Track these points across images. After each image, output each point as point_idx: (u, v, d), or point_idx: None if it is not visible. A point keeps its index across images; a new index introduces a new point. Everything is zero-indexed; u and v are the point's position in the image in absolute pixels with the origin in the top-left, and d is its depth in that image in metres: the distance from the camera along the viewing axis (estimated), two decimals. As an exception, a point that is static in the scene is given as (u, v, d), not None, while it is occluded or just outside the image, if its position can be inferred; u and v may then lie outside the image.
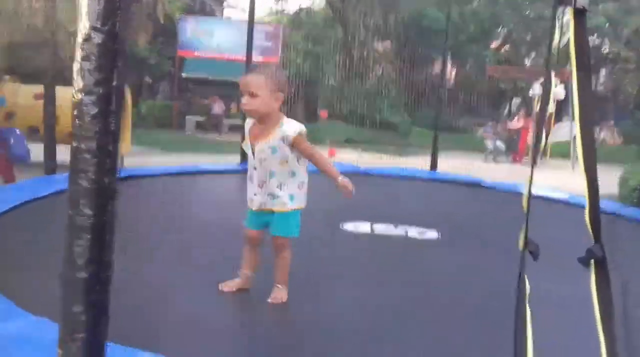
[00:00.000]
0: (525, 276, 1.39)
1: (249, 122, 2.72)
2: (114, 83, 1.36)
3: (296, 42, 17.32)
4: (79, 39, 1.28)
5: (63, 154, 7.28)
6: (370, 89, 17.90)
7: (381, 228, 4.08)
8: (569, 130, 15.33)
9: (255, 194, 2.65)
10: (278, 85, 2.57)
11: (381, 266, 3.37)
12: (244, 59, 15.57)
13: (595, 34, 20.81)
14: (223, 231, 3.49)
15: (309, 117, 17.99)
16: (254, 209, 2.67)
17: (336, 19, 18.52)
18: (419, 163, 7.61)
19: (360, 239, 3.88)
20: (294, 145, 2.59)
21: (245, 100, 2.57)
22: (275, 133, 2.58)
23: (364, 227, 4.09)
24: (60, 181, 4.52)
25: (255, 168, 2.64)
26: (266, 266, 2.73)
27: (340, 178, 2.62)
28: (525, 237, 1.38)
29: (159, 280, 2.83)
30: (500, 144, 15.08)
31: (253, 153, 2.63)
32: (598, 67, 21.91)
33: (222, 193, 5.10)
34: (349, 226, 4.07)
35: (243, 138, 2.82)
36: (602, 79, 21.38)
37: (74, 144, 1.31)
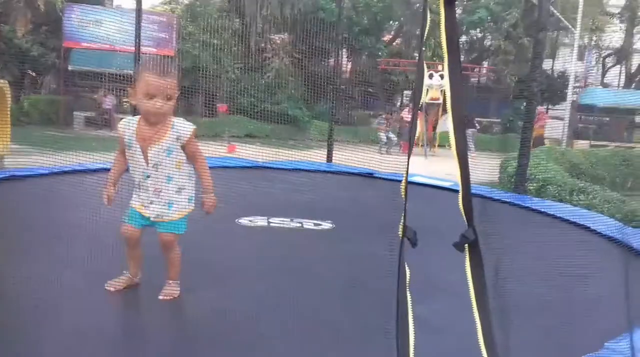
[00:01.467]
0: (405, 262, 1.42)
1: (128, 124, 2.52)
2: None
3: (192, 33, 16.86)
4: None
5: None
6: (269, 82, 17.84)
7: (277, 221, 4.08)
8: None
9: (151, 203, 2.50)
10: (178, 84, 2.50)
11: (275, 257, 3.37)
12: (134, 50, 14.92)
13: (478, 28, 22.16)
14: (107, 231, 3.32)
15: (207, 111, 17.63)
16: (151, 218, 2.52)
17: (232, 10, 18.23)
18: (318, 156, 7.71)
19: (255, 233, 3.86)
20: (187, 144, 2.50)
21: (160, 104, 2.41)
22: (168, 134, 2.47)
23: (260, 221, 4.06)
24: None
25: (148, 176, 2.47)
26: (151, 261, 2.63)
27: (210, 195, 2.55)
28: (404, 224, 1.42)
29: (40, 285, 2.63)
30: (392, 136, 15.67)
31: (145, 158, 2.47)
32: (481, 60, 23.36)
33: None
34: (245, 221, 4.03)
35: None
36: (484, 71, 22.77)
37: None
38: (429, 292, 2.69)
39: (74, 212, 3.82)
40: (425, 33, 1.38)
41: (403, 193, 1.42)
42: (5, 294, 2.51)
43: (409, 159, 1.40)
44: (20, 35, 14.76)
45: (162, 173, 2.47)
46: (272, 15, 18.11)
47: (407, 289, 1.40)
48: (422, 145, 15.74)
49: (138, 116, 2.55)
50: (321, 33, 15.88)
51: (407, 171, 1.43)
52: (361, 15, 19.40)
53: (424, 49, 1.45)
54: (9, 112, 8.22)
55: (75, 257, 3.08)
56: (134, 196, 2.57)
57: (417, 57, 21.60)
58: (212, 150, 10.03)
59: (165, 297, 2.57)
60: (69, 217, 3.77)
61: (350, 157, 8.36)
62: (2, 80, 8.41)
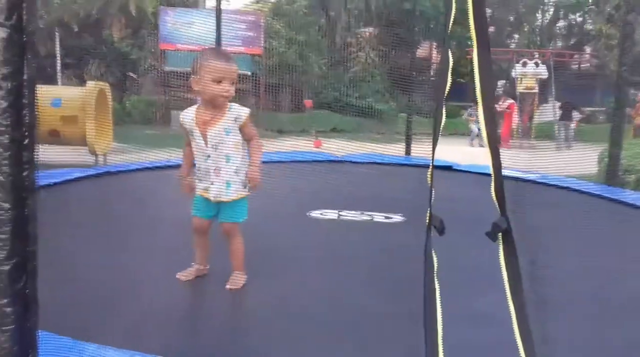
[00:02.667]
0: (432, 250, 1.43)
1: (187, 113, 2.70)
2: (25, 76, 1.39)
3: (279, 31, 17.24)
4: (-17, 35, 1.30)
5: (46, 154, 7.33)
6: (355, 76, 17.88)
7: (348, 214, 4.13)
8: (553, 111, 15.40)
9: (212, 183, 2.65)
10: None
11: (340, 248, 3.42)
12: (225, 50, 15.43)
13: (578, 12, 20.89)
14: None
15: (294, 107, 18.00)
16: (211, 199, 2.68)
17: (319, 6, 18.44)
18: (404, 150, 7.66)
19: (324, 225, 3.92)
20: (244, 125, 2.65)
21: (228, 87, 2.58)
22: (227, 115, 2.63)
23: (330, 214, 4.13)
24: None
25: (209, 156, 2.63)
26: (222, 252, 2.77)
27: (256, 171, 2.65)
28: (430, 212, 1.42)
29: (122, 274, 2.86)
30: (475, 128, 15.15)
31: (205, 141, 2.63)
32: (581, 45, 21.99)
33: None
34: (316, 213, 4.12)
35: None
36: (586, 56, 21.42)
37: (-14, 138, 1.34)
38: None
39: (159, 205, 4.09)
40: (450, 21, 1.37)
41: (429, 180, 1.42)
42: (88, 279, 2.74)
43: (434, 146, 1.40)
44: (116, 40, 15.83)
45: (222, 152, 2.62)
46: (357, 8, 18.11)
47: (435, 278, 1.40)
48: (517, 137, 15.14)
49: (195, 106, 2.72)
50: (407, 24, 15.70)
51: (432, 158, 1.43)
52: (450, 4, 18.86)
53: (448, 37, 1.44)
54: (110, 113, 8.87)
55: (154, 247, 3.32)
56: (197, 183, 2.72)
57: (510, 45, 20.76)
58: (299, 146, 10.27)
59: (232, 287, 2.69)
60: (153, 210, 4.05)
61: (438, 149, 8.19)
62: (102, 83, 9.08)
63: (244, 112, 2.66)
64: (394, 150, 8.21)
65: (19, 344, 1.34)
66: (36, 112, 1.49)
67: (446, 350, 1.38)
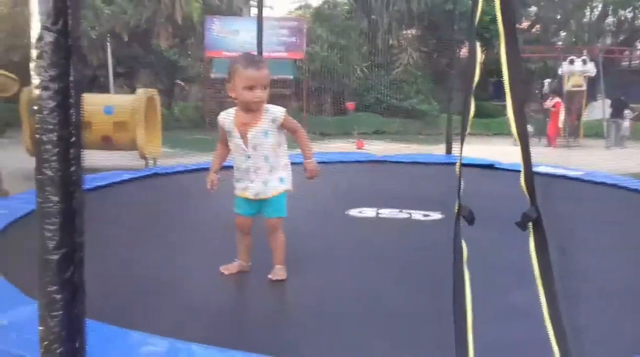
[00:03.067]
0: (463, 240, 1.44)
1: (228, 115, 2.80)
2: (71, 78, 1.48)
3: (320, 36, 17.36)
4: (32, 39, 1.40)
5: (99, 159, 7.64)
6: (397, 77, 17.81)
7: (386, 213, 4.14)
8: (602, 109, 14.93)
9: (252, 182, 2.75)
10: None
11: (375, 246, 3.44)
12: (270, 55, 15.69)
13: (629, 8, 20.15)
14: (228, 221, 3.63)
15: (336, 110, 18.07)
16: (251, 198, 2.77)
17: (359, 9, 18.46)
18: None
19: (362, 223, 3.95)
20: (284, 123, 2.74)
21: (260, 93, 2.66)
22: (264, 118, 2.72)
23: (369, 212, 4.16)
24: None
25: (249, 156, 2.73)
26: (265, 250, 2.84)
27: (311, 161, 2.80)
28: (459, 203, 1.43)
29: (167, 268, 2.97)
30: (529, 127, 14.80)
31: (245, 142, 2.72)
32: (632, 41, 21.19)
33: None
34: (354, 212, 4.15)
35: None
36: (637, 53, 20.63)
37: (38, 136, 1.43)
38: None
39: (204, 204, 4.21)
40: (477, 14, 1.38)
41: (457, 172, 1.43)
42: (135, 274, 2.86)
43: (462, 141, 1.42)
44: (163, 48, 16.27)
45: (261, 153, 2.72)
46: (399, 11, 18.03)
47: (465, 268, 1.41)
48: (564, 136, 14.75)
49: (234, 108, 2.80)
50: (449, 25, 15.52)
51: (461, 151, 1.44)
52: (492, 2, 18.55)
53: (475, 31, 1.45)
54: (159, 119, 9.14)
55: (198, 244, 3.43)
56: (236, 184, 2.81)
57: (556, 43, 20.24)
58: (342, 147, 10.30)
59: (274, 278, 2.77)
60: (199, 209, 4.17)
61: (481, 149, 8.12)
62: (152, 90, 9.37)
63: (279, 112, 2.74)
64: (436, 150, 8.16)
65: (67, 329, 1.42)
66: (82, 112, 1.58)
67: (479, 345, 1.38)
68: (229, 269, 2.88)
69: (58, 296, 1.44)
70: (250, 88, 2.64)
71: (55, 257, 1.43)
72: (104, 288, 2.44)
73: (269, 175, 2.74)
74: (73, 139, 1.50)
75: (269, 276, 2.77)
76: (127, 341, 1.87)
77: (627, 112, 14.91)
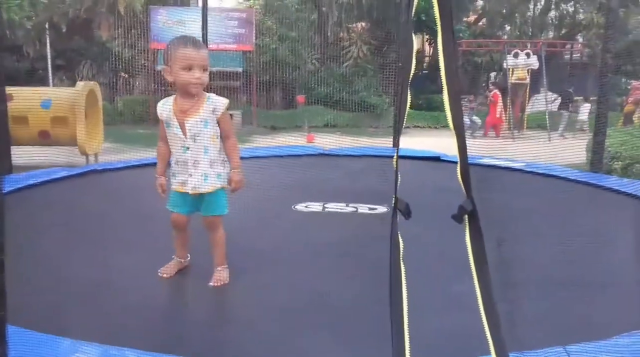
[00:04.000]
0: (399, 234, 1.43)
1: (165, 104, 2.66)
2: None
3: (270, 27, 17.21)
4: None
5: (37, 155, 7.32)
6: (347, 70, 17.86)
7: (332, 207, 4.13)
8: (544, 101, 15.42)
9: (191, 176, 2.62)
10: None
11: (323, 240, 3.42)
12: (218, 47, 15.39)
13: (571, 2, 20.89)
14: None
15: (286, 103, 17.98)
16: (190, 192, 2.65)
17: (309, 1, 18.39)
18: (401, 143, 7.62)
19: (308, 217, 3.93)
20: (221, 118, 2.61)
21: (198, 74, 2.53)
22: (204, 106, 2.59)
23: (315, 206, 4.14)
24: (13, 181, 4.50)
25: (187, 148, 2.59)
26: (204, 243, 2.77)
27: (237, 171, 2.66)
28: (395, 197, 1.42)
29: (102, 271, 2.85)
30: (476, 119, 15.15)
31: (183, 131, 2.60)
32: (573, 35, 22.00)
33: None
34: (300, 206, 4.12)
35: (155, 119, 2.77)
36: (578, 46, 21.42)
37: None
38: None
39: (142, 202, 4.08)
40: (414, 5, 1.37)
41: (395, 165, 1.42)
42: (68, 277, 2.74)
43: (398, 134, 1.40)
44: (105, 40, 15.77)
45: (200, 144, 2.59)
46: (349, 3, 18.07)
47: (401, 261, 1.40)
48: (508, 128, 15.17)
49: (173, 96, 2.67)
50: (398, 17, 15.67)
51: (397, 144, 1.43)
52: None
53: (413, 19, 1.43)
54: (101, 113, 8.85)
55: (135, 242, 3.32)
56: (173, 179, 2.69)
57: (501, 36, 20.75)
58: (292, 141, 10.25)
59: (216, 284, 2.67)
60: (136, 207, 4.04)
61: (429, 142, 8.21)
62: (93, 83, 9.06)
63: (221, 103, 2.62)
64: (386, 143, 8.22)
65: (-14, 337, 1.33)
66: (4, 108, 1.48)
67: (415, 335, 1.38)
68: (166, 271, 2.78)
69: (-24, 302, 1.35)
70: (189, 68, 2.51)
71: (-28, 261, 1.34)
72: (33, 293, 2.33)
73: (209, 169, 2.62)
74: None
75: (210, 283, 2.67)
76: (57, 348, 1.77)
77: (586, 105, 15.43)
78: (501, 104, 15.03)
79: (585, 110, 15.29)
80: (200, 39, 6.74)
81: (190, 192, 2.65)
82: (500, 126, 15.16)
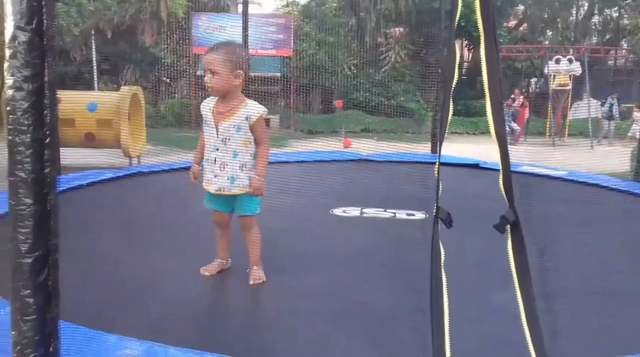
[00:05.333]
0: (440, 242, 1.44)
1: (208, 102, 2.74)
2: (45, 78, 1.46)
3: (308, 33, 17.32)
4: (6, 38, 1.37)
5: (83, 157, 7.55)
6: (385, 75, 17.81)
7: (370, 212, 4.14)
8: (588, 108, 15.05)
9: (215, 176, 2.68)
10: (238, 62, 2.62)
11: (362, 245, 3.44)
12: (257, 52, 15.55)
13: (615, 7, 20.33)
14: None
15: (324, 108, 18.04)
16: (212, 192, 2.71)
17: (347, 6, 18.44)
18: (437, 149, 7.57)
19: (346, 222, 3.95)
20: (254, 126, 2.65)
21: (207, 78, 2.61)
22: (240, 112, 2.64)
23: (353, 211, 4.15)
24: (63, 181, 4.66)
25: (217, 148, 2.66)
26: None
27: (259, 179, 2.67)
28: (437, 205, 1.43)
29: (147, 270, 2.93)
30: (514, 126, 14.88)
31: (217, 131, 2.66)
32: (617, 40, 21.39)
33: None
34: (338, 211, 4.14)
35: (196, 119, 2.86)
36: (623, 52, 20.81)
37: (10, 138, 1.40)
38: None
39: (186, 204, 4.17)
40: (457, 15, 1.38)
41: (436, 174, 1.43)
42: (115, 275, 2.83)
43: (440, 142, 1.41)
44: (149, 45, 16.14)
45: (230, 148, 2.64)
46: (387, 9, 18.03)
47: (442, 269, 1.41)
48: (549, 135, 14.88)
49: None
50: (437, 23, 15.55)
51: (439, 152, 1.44)
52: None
53: (454, 28, 1.44)
54: (143, 116, 9.07)
55: (179, 243, 3.40)
56: (203, 176, 2.76)
57: (542, 42, 20.36)
58: (329, 145, 10.30)
59: (254, 282, 2.73)
60: (180, 208, 4.13)
61: (467, 148, 8.12)
62: (136, 87, 9.30)
63: (256, 111, 2.66)
64: (424, 149, 8.16)
65: (41, 333, 1.40)
66: (57, 113, 1.55)
67: (458, 344, 1.38)
68: (208, 270, 2.84)
69: (31, 300, 1.42)
70: (205, 73, 2.61)
71: (29, 260, 1.41)
72: (83, 291, 2.41)
73: (239, 172, 2.65)
74: (48, 140, 1.48)
75: (249, 282, 2.73)
76: (104, 343, 1.85)
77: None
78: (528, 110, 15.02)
79: (638, 119, 14.89)
80: (241, 43, 6.87)
81: (213, 192, 2.71)
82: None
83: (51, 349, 1.42)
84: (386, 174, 5.53)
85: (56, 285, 1.47)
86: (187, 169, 5.66)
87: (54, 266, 1.47)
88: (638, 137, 14.45)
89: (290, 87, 16.83)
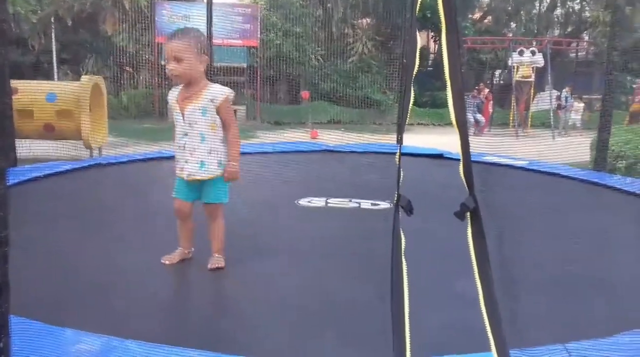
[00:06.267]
0: (401, 230, 1.43)
1: (174, 91, 2.74)
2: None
3: (275, 23, 17.19)
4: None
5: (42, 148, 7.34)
6: (352, 67, 17.84)
7: (335, 202, 4.14)
8: (550, 99, 15.39)
9: (186, 161, 2.68)
10: (202, 48, 2.64)
11: (325, 234, 3.44)
12: (223, 42, 15.38)
13: (576, 0, 20.80)
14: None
15: (291, 98, 17.98)
16: (184, 178, 2.70)
17: (314, -3, 18.37)
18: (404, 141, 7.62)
19: (311, 213, 3.94)
20: (220, 108, 2.64)
21: (171, 66, 2.59)
22: (204, 95, 2.64)
23: (318, 202, 4.15)
24: (18, 173, 4.52)
25: (186, 134, 2.66)
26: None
27: (234, 164, 2.68)
28: (397, 193, 1.43)
29: (105, 262, 2.87)
30: (479, 117, 15.12)
31: (183, 117, 2.66)
32: (579, 33, 21.90)
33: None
34: (303, 201, 4.13)
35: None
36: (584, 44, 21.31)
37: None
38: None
39: (146, 195, 4.10)
40: (417, 4, 1.37)
41: (397, 162, 1.42)
42: (72, 267, 2.75)
43: (401, 131, 1.41)
44: (111, 34, 15.79)
45: (197, 131, 2.64)
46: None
47: (403, 256, 1.41)
48: (512, 125, 15.15)
49: (182, 85, 2.73)
50: (403, 14, 15.67)
51: (401, 140, 1.44)
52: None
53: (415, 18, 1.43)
54: (105, 107, 8.86)
55: (138, 235, 3.34)
56: (176, 164, 2.75)
57: (506, 34, 20.69)
58: (295, 136, 10.26)
59: (212, 267, 2.72)
60: (141, 199, 4.06)
61: (431, 139, 8.19)
62: (97, 77, 9.08)
63: (220, 93, 2.66)
64: (390, 140, 8.21)
65: (-10, 329, 1.34)
66: (8, 101, 1.49)
67: (416, 331, 1.38)
68: (170, 259, 2.81)
69: (-21, 294, 1.36)
70: (167, 61, 2.60)
71: (-24, 253, 1.35)
72: (37, 284, 2.35)
73: (207, 157, 2.65)
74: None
75: (208, 266, 2.72)
76: (59, 338, 1.79)
77: (580, 104, 15.51)
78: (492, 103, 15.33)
79: (578, 109, 15.40)
80: (205, 33, 6.76)
81: (185, 178, 2.70)
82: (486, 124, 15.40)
83: (1, 344, 1.37)
84: (351, 165, 5.55)
85: (6, 279, 1.42)
86: (150, 160, 5.59)
87: (4, 259, 1.42)
88: (579, 125, 15.00)
89: (256, 77, 16.70)
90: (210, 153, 2.65)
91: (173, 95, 2.73)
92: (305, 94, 16.62)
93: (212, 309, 2.44)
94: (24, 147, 6.10)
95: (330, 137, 11.85)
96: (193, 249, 2.88)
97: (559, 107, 15.85)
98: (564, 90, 16.48)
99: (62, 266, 2.75)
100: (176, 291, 2.67)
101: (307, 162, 5.60)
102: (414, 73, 1.39)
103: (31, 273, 2.44)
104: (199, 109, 2.63)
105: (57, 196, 4.26)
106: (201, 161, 2.65)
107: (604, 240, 3.46)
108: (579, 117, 15.44)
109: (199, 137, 2.64)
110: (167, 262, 2.79)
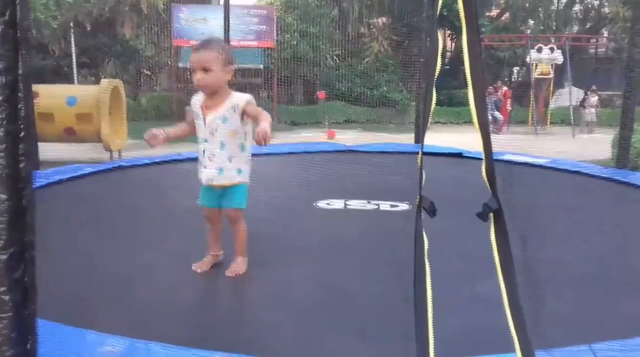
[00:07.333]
0: (423, 231, 1.43)
1: (198, 99, 2.75)
2: (20, 71, 1.42)
3: (291, 24, 17.24)
4: (-24, 31, 1.33)
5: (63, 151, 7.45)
6: (368, 66, 17.81)
7: (354, 204, 4.14)
8: (569, 96, 15.21)
9: (205, 167, 2.71)
10: (228, 59, 2.66)
11: (343, 237, 3.43)
12: (239, 44, 15.46)
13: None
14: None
15: (307, 99, 18.00)
16: (203, 183, 2.74)
17: (330, -2, 18.37)
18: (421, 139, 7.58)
19: (330, 215, 3.93)
20: (245, 110, 2.64)
21: (199, 76, 2.61)
22: (226, 104, 2.66)
23: (337, 203, 4.14)
24: (41, 176, 4.59)
25: (206, 140, 2.69)
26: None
27: (264, 125, 2.48)
28: (420, 195, 1.42)
29: (129, 265, 2.89)
30: (498, 115, 14.99)
31: (205, 123, 2.68)
32: (598, 29, 21.61)
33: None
34: (322, 203, 4.13)
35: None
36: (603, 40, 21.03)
37: (-18, 132, 1.36)
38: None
39: (168, 198, 4.13)
40: (439, 3, 1.36)
41: (419, 163, 1.42)
42: (99, 271, 2.79)
43: (423, 131, 1.40)
44: (129, 38, 15.96)
45: (217, 139, 2.66)
46: (369, -1, 18.01)
47: (426, 258, 1.40)
48: (532, 123, 15.03)
49: None
50: (419, 13, 15.56)
51: (422, 141, 1.43)
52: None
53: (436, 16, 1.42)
54: (124, 110, 8.96)
55: (160, 237, 3.36)
56: (198, 164, 2.77)
57: (524, 31, 20.49)
58: (312, 137, 10.27)
59: (231, 274, 2.73)
60: (162, 203, 4.09)
61: (451, 138, 8.12)
62: (117, 80, 9.18)
63: (241, 99, 2.67)
64: (406, 139, 8.19)
65: (17, 331, 1.37)
66: (32, 106, 1.51)
67: (439, 333, 1.38)
68: (201, 266, 2.81)
69: (7, 297, 1.39)
70: (195, 71, 2.62)
71: (4, 257, 1.38)
72: (62, 287, 2.38)
73: (227, 164, 2.67)
74: (22, 134, 1.44)
75: (227, 273, 2.73)
76: (83, 341, 1.81)
77: (594, 98, 15.29)
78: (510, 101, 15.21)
79: (592, 104, 15.19)
80: (222, 36, 6.80)
81: (204, 182, 2.74)
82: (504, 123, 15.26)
83: (28, 346, 1.39)
84: (369, 165, 5.52)
85: (33, 282, 1.44)
86: (170, 162, 5.64)
87: (31, 262, 1.44)
88: (595, 120, 14.79)
89: (272, 78, 16.75)
90: (229, 160, 2.68)
91: (198, 101, 2.75)
92: (321, 94, 16.63)
93: (235, 311, 2.45)
94: (46, 151, 6.19)
95: (347, 137, 11.86)
96: (222, 252, 2.89)
97: (582, 104, 15.62)
98: (588, 92, 16.26)
99: (87, 268, 2.79)
100: (200, 293, 2.68)
101: (324, 163, 5.60)
102: (436, 74, 1.38)
103: (56, 276, 2.47)
104: (220, 118, 2.66)
105: (81, 198, 4.31)
106: (220, 167, 2.68)
107: (628, 238, 3.41)
108: (594, 111, 15.23)
109: (219, 145, 2.67)
110: (198, 270, 2.80)
